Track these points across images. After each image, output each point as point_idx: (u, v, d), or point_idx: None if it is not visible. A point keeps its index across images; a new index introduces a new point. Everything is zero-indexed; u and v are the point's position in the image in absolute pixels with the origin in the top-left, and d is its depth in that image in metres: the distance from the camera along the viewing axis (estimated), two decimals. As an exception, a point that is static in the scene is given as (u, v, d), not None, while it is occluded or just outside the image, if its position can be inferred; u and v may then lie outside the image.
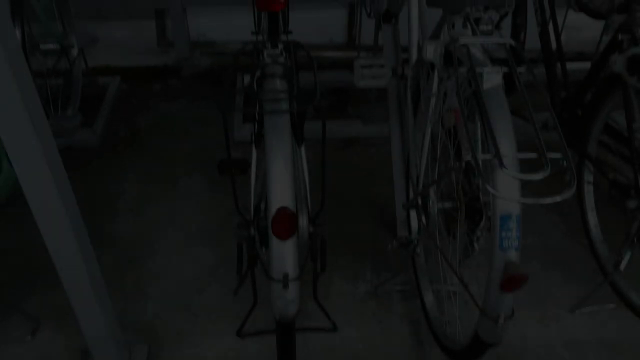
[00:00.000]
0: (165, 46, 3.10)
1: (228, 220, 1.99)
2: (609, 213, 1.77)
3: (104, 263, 1.82)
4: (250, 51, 1.34)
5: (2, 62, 1.18)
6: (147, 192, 2.13)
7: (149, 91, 2.72)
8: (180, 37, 2.94)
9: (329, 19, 3.07)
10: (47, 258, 1.28)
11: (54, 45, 2.30)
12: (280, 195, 1.07)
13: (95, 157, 2.30)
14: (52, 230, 1.33)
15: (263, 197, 1.29)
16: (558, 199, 0.94)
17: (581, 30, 3.21)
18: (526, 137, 1.08)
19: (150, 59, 3.00)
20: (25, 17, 2.03)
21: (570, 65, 2.04)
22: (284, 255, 1.10)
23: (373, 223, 2.00)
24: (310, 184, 1.32)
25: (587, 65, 2.24)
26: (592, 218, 1.78)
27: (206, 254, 1.88)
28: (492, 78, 1.10)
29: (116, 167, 2.24)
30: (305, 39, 3.29)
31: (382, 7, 2.06)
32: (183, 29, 2.92)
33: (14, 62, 1.20)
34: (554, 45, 1.97)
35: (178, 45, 2.97)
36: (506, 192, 1.03)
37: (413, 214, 1.57)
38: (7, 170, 1.68)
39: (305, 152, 1.33)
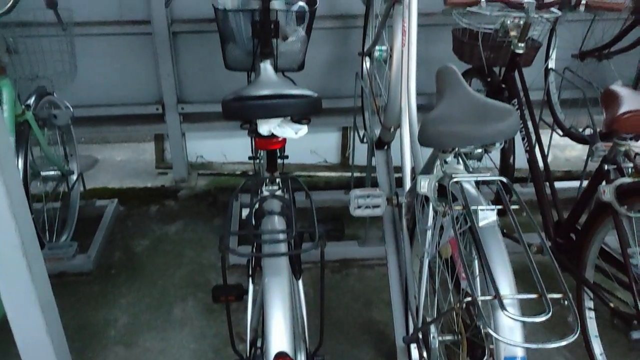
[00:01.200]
0: (164, 168, 3.17)
1: (222, 350, 1.92)
2: (615, 339, 1.72)
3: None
4: (248, 175, 1.37)
5: (1, 199, 1.20)
6: (139, 320, 2.07)
7: (145, 213, 2.74)
8: (178, 159, 3.02)
9: (322, 141, 3.18)
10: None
11: (54, 172, 2.34)
12: (279, 339, 1.04)
13: (88, 282, 2.26)
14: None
15: (259, 333, 1.26)
16: (563, 343, 0.92)
17: (565, 149, 3.35)
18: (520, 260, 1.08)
19: (148, 180, 3.06)
20: (29, 146, 2.09)
21: (559, 184, 2.10)
22: (283, 404, 1.05)
23: (372, 351, 1.93)
24: (308, 305, 1.29)
25: (574, 184, 2.29)
26: (597, 346, 1.73)
27: (198, 388, 1.80)
28: (487, 216, 1.12)
29: (109, 293, 2.20)
30: (300, 159, 3.36)
31: (375, 135, 2.14)
32: (181, 151, 3.01)
33: (13, 197, 1.22)
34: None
35: (176, 167, 3.04)
36: (509, 334, 1.01)
37: (413, 345, 1.53)
38: (-3, 303, 1.64)
39: (303, 282, 1.32)
